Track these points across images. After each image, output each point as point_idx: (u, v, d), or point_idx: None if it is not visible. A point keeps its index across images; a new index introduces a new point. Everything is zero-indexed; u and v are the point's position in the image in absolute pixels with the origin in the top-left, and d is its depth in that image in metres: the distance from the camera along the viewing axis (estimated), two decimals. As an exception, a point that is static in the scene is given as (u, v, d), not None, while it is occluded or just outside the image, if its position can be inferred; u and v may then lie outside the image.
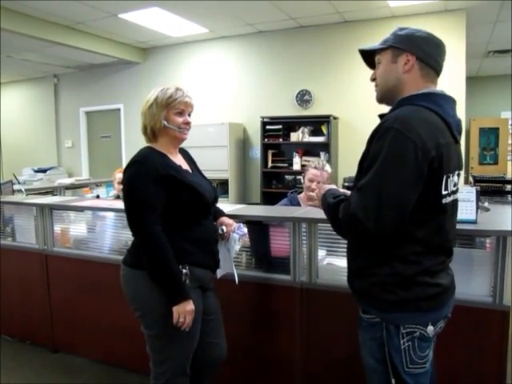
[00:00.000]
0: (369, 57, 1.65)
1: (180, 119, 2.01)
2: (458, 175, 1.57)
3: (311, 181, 3.13)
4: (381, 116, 1.53)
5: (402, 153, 1.34)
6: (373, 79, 1.63)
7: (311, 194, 1.74)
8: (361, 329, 1.61)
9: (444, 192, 1.45)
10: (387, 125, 1.39)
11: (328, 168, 3.24)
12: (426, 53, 1.54)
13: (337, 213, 1.48)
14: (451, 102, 1.54)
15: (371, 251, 1.49)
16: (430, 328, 1.47)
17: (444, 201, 1.45)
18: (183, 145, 2.15)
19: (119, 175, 3.93)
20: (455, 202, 1.56)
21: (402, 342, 1.46)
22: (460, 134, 1.55)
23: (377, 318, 1.51)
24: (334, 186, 1.74)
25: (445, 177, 1.44)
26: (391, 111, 1.51)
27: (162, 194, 1.90)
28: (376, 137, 1.42)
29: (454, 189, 1.52)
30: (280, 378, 2.61)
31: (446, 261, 1.55)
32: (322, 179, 3.06)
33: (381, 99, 1.62)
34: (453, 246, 1.59)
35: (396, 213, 1.36)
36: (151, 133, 2.02)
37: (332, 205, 1.53)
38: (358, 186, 1.42)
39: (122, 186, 3.78)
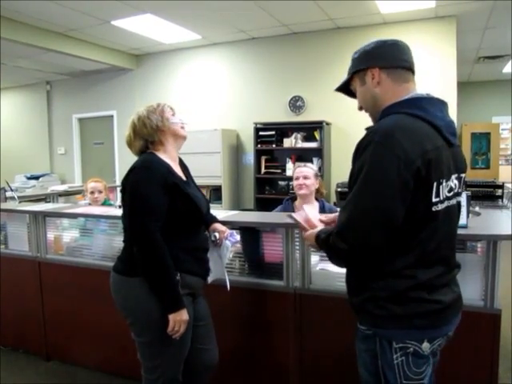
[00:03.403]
0: (348, 89, 1.67)
1: (176, 118, 2.10)
2: (459, 179, 1.49)
3: (297, 178, 3.24)
4: (368, 129, 1.48)
5: (383, 166, 1.30)
6: (360, 108, 1.62)
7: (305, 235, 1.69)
8: (357, 339, 1.56)
9: (435, 199, 1.37)
10: (368, 139, 1.36)
11: (312, 166, 3.38)
12: (385, 58, 1.49)
13: (327, 242, 1.44)
14: (439, 104, 1.46)
15: (364, 266, 1.44)
16: (426, 345, 1.41)
17: (435, 208, 1.37)
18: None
19: (92, 185, 3.93)
20: (451, 209, 1.46)
21: (394, 356, 1.41)
22: (454, 135, 1.47)
23: (370, 330, 1.47)
24: (322, 225, 1.66)
25: (435, 183, 1.36)
26: (376, 122, 1.49)
27: (166, 203, 1.91)
28: (358, 153, 1.39)
29: (449, 194, 1.43)
30: (274, 383, 2.61)
31: (446, 273, 1.47)
32: (308, 174, 3.21)
33: (375, 120, 1.55)
34: (451, 255, 1.53)
35: (382, 228, 1.32)
36: (158, 137, 2.03)
37: (325, 238, 1.48)
38: (343, 205, 1.40)
39: (95, 195, 3.82)
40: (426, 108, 1.41)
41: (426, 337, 1.41)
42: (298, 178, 3.22)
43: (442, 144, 1.39)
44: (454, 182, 1.45)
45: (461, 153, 1.54)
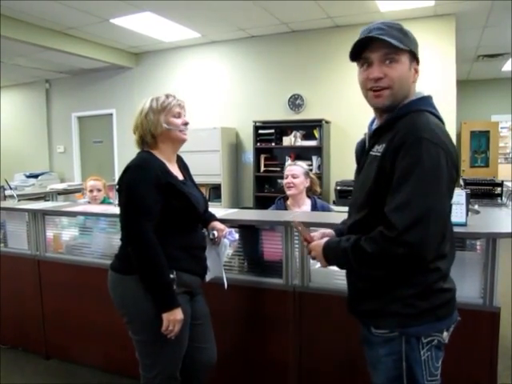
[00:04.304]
0: (362, 47, 1.42)
1: (179, 121, 2.04)
2: None
3: (286, 177, 3.23)
4: (376, 130, 1.47)
5: (438, 164, 1.28)
6: (379, 78, 1.40)
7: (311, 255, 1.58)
8: (372, 346, 1.49)
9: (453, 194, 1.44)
10: (414, 136, 1.30)
11: (302, 164, 3.34)
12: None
13: (362, 251, 1.34)
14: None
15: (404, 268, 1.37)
16: (446, 334, 1.44)
17: (451, 201, 1.43)
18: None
19: (91, 183, 3.91)
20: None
21: (422, 352, 1.40)
22: None
23: (394, 332, 1.41)
24: (327, 238, 1.58)
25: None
26: (394, 119, 1.41)
27: (160, 202, 1.91)
28: (403, 149, 1.30)
29: None
30: (274, 382, 2.61)
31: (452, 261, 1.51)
32: (297, 172, 3.18)
33: (390, 106, 1.43)
34: (455, 243, 1.55)
35: (440, 227, 1.31)
36: (152, 140, 2.02)
37: (350, 247, 1.38)
38: (397, 205, 1.29)
39: (94, 194, 3.80)
40: (435, 106, 1.44)
41: (445, 326, 1.44)
42: (286, 177, 3.22)
43: None
44: None
45: None
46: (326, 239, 1.55)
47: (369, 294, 1.48)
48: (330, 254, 1.49)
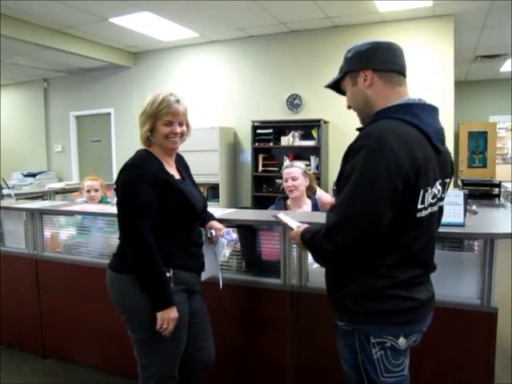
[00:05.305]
0: (338, 88, 1.66)
1: (167, 129, 1.99)
2: (443, 184, 1.51)
3: (286, 180, 3.21)
4: (359, 129, 1.49)
5: (375, 171, 1.32)
6: (349, 107, 1.63)
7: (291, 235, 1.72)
8: (337, 335, 1.59)
9: (420, 206, 1.40)
10: (361, 142, 1.37)
11: (299, 164, 3.32)
12: (379, 60, 1.48)
13: (313, 242, 1.47)
14: (431, 109, 1.47)
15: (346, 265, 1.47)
16: (402, 340, 1.45)
17: (419, 215, 1.41)
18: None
19: (88, 183, 3.90)
20: (434, 214, 1.50)
21: (373, 351, 1.45)
22: (442, 142, 1.48)
23: (348, 326, 1.50)
24: (305, 226, 1.69)
25: (422, 191, 1.39)
26: (369, 124, 1.47)
27: (157, 200, 1.91)
28: (350, 155, 1.40)
29: (433, 201, 1.46)
30: (271, 381, 2.61)
31: (423, 274, 1.51)
32: (296, 174, 3.17)
33: (363, 121, 1.58)
34: (431, 258, 1.56)
35: (368, 231, 1.33)
36: (145, 140, 2.03)
37: (310, 238, 1.50)
38: (331, 207, 1.43)
39: (91, 194, 3.79)
40: (418, 114, 1.43)
41: (402, 333, 1.45)
42: (286, 180, 3.20)
43: (430, 152, 1.41)
44: (437, 187, 1.48)
45: (448, 158, 1.56)
46: (304, 227, 1.65)
47: (331, 285, 1.57)
48: (304, 242, 1.59)
